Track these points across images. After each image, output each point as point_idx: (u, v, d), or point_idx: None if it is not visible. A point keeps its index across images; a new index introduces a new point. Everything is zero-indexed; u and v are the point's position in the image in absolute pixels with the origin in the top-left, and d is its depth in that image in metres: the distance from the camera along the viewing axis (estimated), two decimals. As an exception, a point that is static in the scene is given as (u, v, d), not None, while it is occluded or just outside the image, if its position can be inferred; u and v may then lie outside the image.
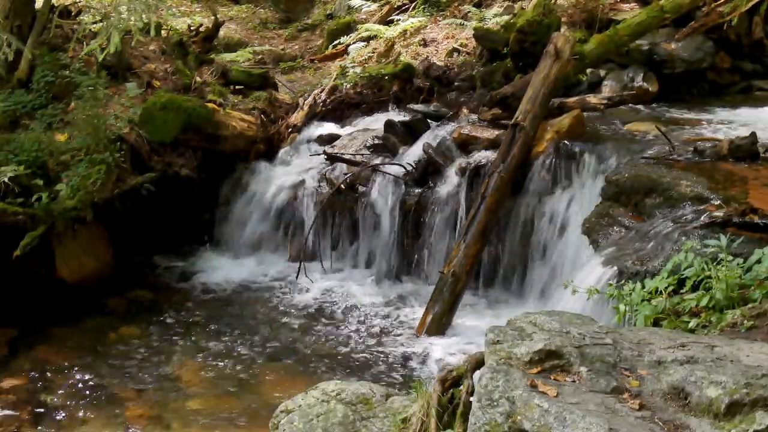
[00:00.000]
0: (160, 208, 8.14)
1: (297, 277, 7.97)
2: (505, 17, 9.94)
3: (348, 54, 11.23)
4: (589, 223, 6.23)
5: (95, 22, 8.52)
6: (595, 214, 6.26)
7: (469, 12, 10.86)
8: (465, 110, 8.51)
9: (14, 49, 7.91)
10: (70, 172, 7.40)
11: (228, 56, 10.80)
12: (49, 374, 6.27)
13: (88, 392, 6.04)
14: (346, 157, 8.38)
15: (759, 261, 4.18)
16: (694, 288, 4.24)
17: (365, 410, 3.63)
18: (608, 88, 8.54)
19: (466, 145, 7.83)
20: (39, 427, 5.61)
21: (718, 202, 5.56)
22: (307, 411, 3.66)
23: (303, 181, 8.50)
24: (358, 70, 9.90)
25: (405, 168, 7.92)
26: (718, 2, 8.57)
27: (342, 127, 9.20)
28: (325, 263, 8.18)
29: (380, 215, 7.96)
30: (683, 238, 5.16)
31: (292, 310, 7.48)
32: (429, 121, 8.56)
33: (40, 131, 7.76)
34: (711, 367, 2.82)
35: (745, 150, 6.30)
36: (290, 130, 9.27)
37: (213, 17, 10.61)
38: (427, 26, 10.89)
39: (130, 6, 7.53)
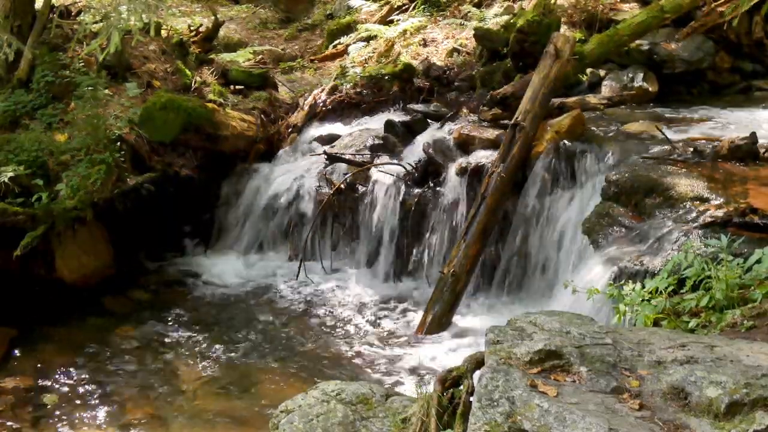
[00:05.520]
0: (160, 208, 8.13)
1: (297, 277, 7.97)
2: (505, 17, 9.92)
3: (348, 54, 11.21)
4: (589, 223, 6.23)
5: (95, 22, 8.50)
6: (595, 214, 6.25)
7: (469, 12, 10.85)
8: (465, 110, 8.51)
9: (14, 49, 7.91)
10: (70, 172, 7.39)
11: (228, 56, 10.77)
12: (49, 374, 6.27)
13: (87, 392, 6.04)
14: (346, 157, 8.37)
15: (759, 261, 4.18)
16: (694, 288, 4.24)
17: (365, 410, 3.63)
18: (608, 88, 8.52)
19: (466, 145, 7.83)
20: (39, 427, 5.62)
21: (718, 202, 5.56)
22: (307, 411, 3.66)
23: (303, 182, 8.49)
24: (358, 70, 9.89)
25: (405, 168, 7.92)
26: (718, 2, 8.57)
27: (342, 127, 9.20)
28: (325, 263, 8.18)
29: (380, 215, 7.96)
30: (683, 238, 5.17)
31: (292, 310, 7.48)
32: (429, 121, 8.55)
33: (40, 131, 7.76)
34: (711, 367, 2.82)
35: (745, 150, 6.30)
36: (290, 130, 9.27)
37: (213, 17, 10.61)
38: (427, 26, 10.87)
39: (130, 6, 7.53)
